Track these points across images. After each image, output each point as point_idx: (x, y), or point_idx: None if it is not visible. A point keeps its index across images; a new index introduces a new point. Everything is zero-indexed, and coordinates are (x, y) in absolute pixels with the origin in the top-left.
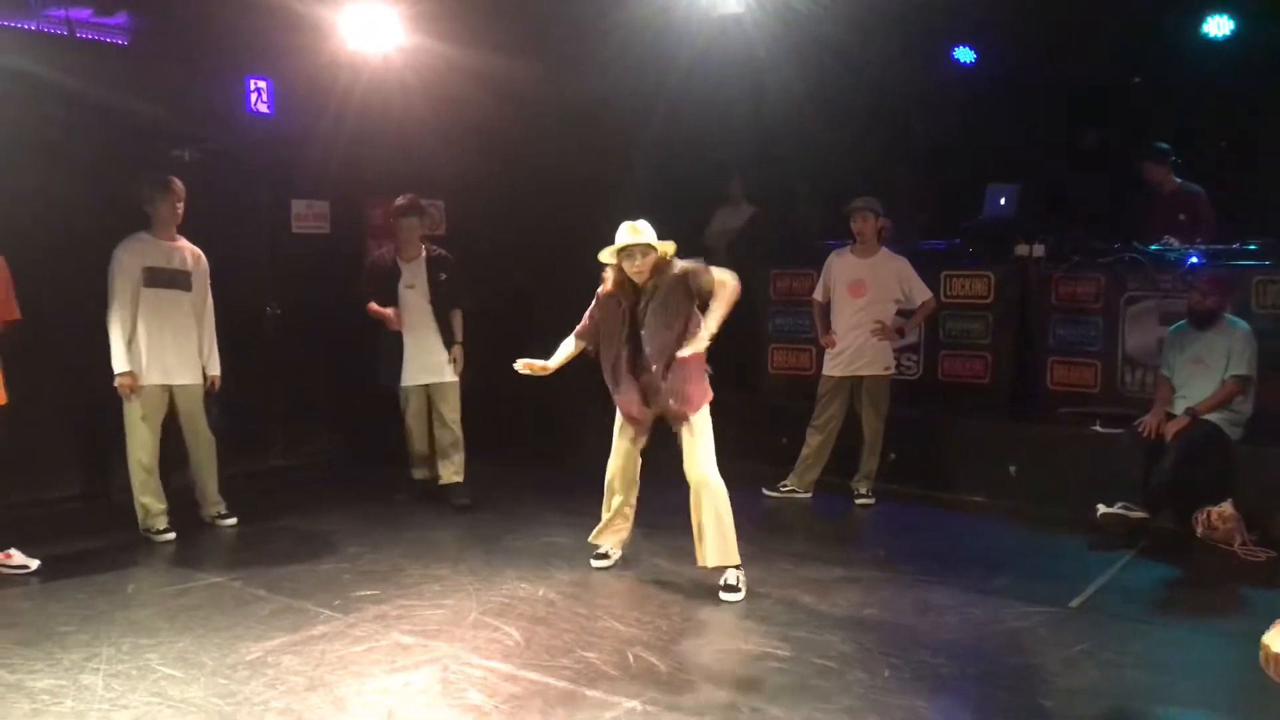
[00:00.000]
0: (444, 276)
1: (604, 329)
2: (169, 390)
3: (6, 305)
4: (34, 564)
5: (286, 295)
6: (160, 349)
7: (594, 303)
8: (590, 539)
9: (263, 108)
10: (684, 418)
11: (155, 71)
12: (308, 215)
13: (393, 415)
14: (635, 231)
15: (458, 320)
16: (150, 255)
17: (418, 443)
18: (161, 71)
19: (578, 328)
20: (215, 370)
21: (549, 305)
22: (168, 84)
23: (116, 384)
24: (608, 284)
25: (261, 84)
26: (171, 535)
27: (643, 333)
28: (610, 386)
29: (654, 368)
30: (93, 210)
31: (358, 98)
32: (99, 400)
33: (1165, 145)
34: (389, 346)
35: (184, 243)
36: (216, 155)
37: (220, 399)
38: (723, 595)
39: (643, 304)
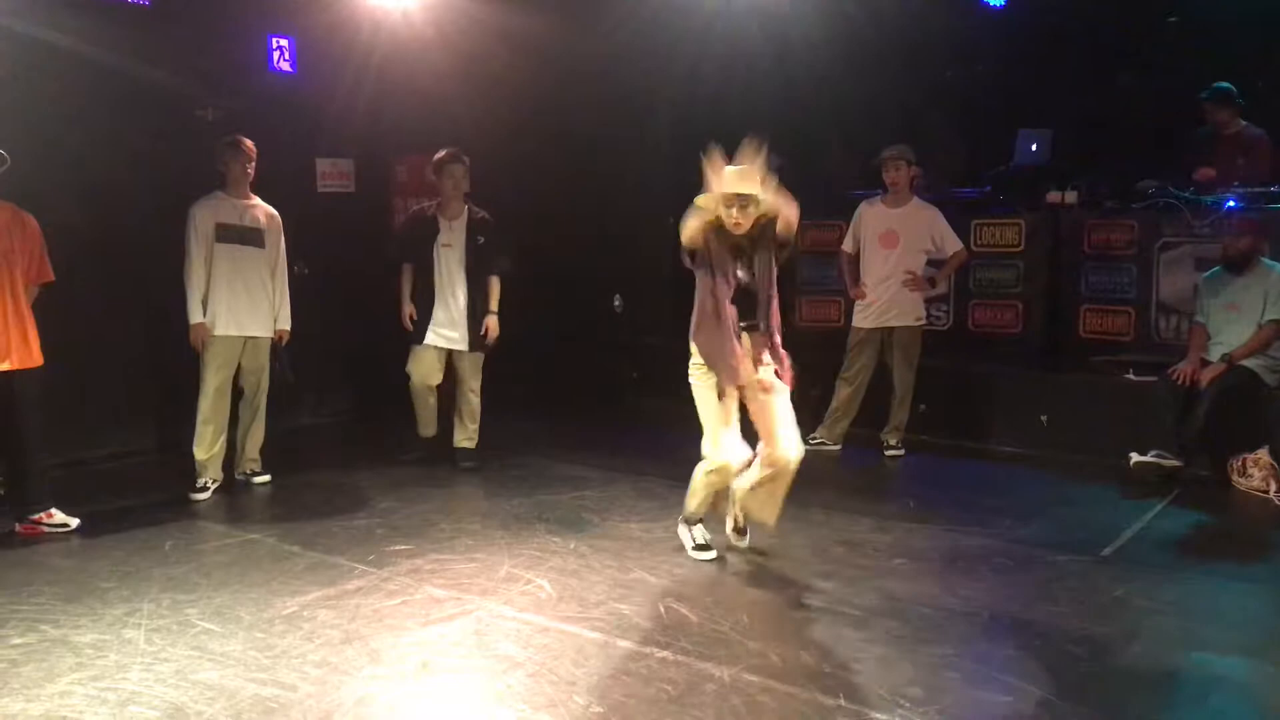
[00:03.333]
0: (482, 240)
1: (710, 284)
2: (243, 341)
3: (41, 268)
4: (74, 522)
5: (313, 254)
6: (234, 302)
7: (703, 249)
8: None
9: (285, 66)
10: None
11: (177, 32)
12: (332, 174)
13: None
14: (746, 179)
15: (494, 288)
16: (222, 212)
17: (422, 403)
18: (183, 31)
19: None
20: (285, 325)
21: (573, 260)
22: (190, 44)
23: (191, 336)
24: (697, 235)
25: (283, 42)
26: (205, 495)
27: (757, 293)
28: (715, 352)
29: (760, 331)
30: (118, 171)
31: (380, 54)
32: (132, 360)
33: (1226, 84)
34: (421, 303)
35: (258, 201)
36: (239, 115)
37: (290, 355)
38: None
39: (745, 259)
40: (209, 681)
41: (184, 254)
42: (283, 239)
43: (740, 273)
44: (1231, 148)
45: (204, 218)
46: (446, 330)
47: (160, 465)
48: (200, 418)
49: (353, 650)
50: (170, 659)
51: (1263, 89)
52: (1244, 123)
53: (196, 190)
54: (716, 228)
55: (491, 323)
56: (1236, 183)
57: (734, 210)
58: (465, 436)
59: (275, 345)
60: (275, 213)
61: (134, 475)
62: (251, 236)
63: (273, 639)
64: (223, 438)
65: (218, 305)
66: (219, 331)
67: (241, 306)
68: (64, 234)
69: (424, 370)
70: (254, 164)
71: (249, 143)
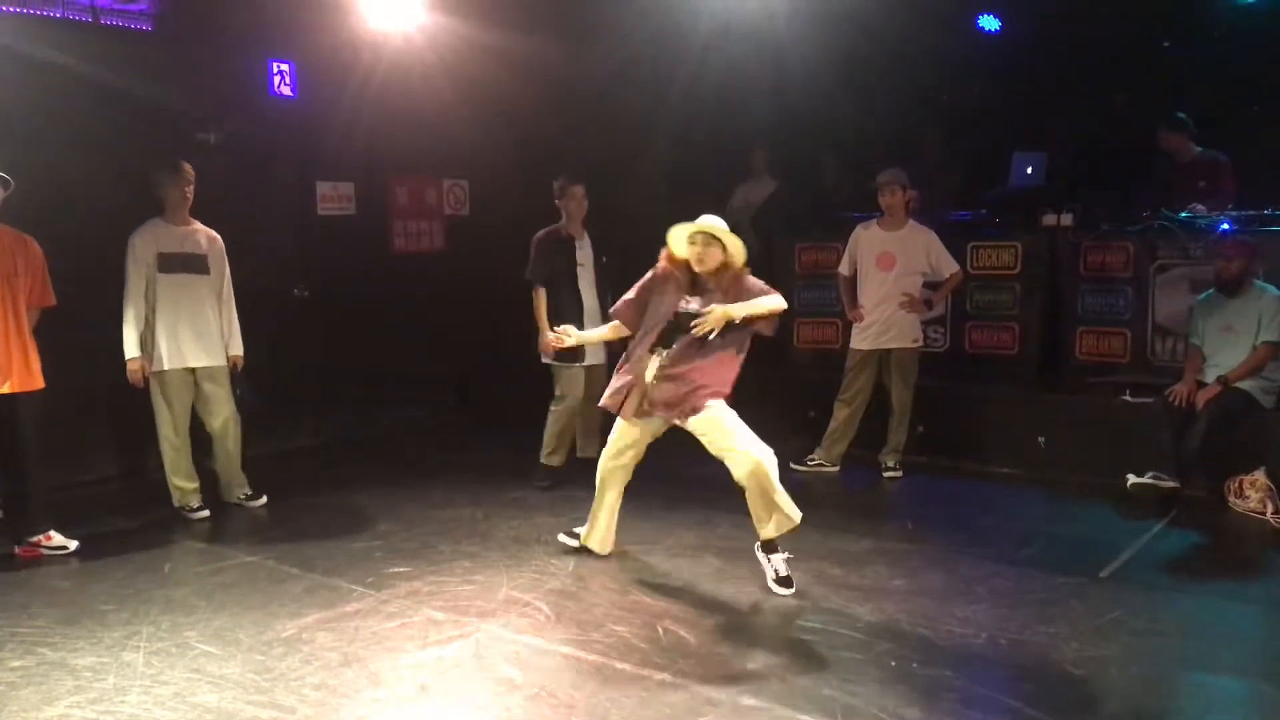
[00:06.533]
0: (604, 260)
1: (651, 312)
2: (192, 373)
3: (43, 291)
4: (73, 545)
5: (313, 277)
6: (177, 334)
7: (648, 279)
8: (586, 540)
9: (286, 90)
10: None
11: (179, 56)
12: (333, 197)
13: (415, 397)
14: (715, 223)
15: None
16: (163, 241)
17: (570, 428)
18: (185, 56)
19: (615, 308)
20: (237, 350)
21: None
22: (191, 68)
23: (128, 372)
24: (664, 263)
25: (284, 66)
26: (206, 513)
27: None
28: (627, 371)
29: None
30: (119, 195)
31: (379, 78)
32: (129, 382)
33: (1183, 115)
34: (568, 321)
35: (198, 226)
36: (241, 138)
37: (250, 379)
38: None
39: (701, 297)
40: (208, 704)
41: (124, 284)
42: (226, 262)
43: (689, 305)
44: (1190, 173)
45: (143, 248)
46: (597, 349)
47: (159, 486)
48: (170, 447)
49: (351, 673)
50: (169, 682)
51: (1257, 113)
52: (1199, 149)
53: (197, 214)
54: (684, 265)
55: None
56: (1195, 205)
57: (697, 247)
58: (596, 447)
59: (233, 372)
60: (217, 235)
61: (133, 497)
62: (195, 263)
63: (271, 661)
64: (190, 465)
65: (160, 339)
66: (166, 366)
67: (185, 338)
68: (64, 256)
69: (579, 391)
70: (193, 187)
71: (188, 166)
